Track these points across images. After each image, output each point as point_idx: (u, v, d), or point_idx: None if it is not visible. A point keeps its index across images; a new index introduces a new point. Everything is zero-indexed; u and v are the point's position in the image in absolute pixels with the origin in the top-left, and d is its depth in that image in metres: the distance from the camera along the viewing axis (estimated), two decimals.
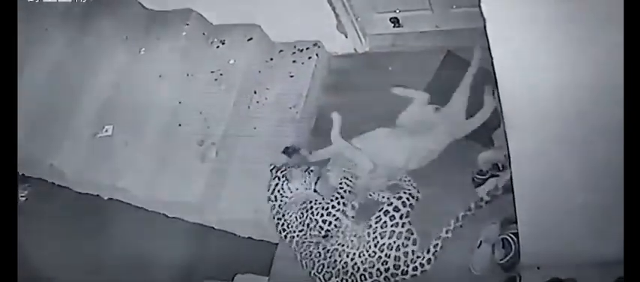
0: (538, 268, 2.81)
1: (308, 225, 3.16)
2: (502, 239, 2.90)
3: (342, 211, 3.16)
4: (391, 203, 3.09)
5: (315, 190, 3.27)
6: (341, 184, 3.26)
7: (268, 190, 3.29)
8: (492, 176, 3.12)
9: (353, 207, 3.21)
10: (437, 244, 3.01)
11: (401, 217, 3.05)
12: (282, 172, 3.30)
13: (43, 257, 3.57)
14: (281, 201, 3.26)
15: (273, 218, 3.27)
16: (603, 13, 1.53)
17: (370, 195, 3.27)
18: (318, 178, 3.30)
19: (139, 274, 3.50)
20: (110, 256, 3.54)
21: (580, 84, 1.80)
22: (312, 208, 3.19)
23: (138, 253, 3.48)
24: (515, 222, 2.63)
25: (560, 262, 2.73)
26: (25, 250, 3.52)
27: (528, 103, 1.91)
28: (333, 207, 3.16)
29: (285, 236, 3.22)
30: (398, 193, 3.14)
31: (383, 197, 3.20)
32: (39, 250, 3.58)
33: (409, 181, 3.22)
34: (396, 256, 2.98)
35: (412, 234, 3.03)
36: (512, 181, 2.33)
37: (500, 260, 2.89)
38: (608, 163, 2.04)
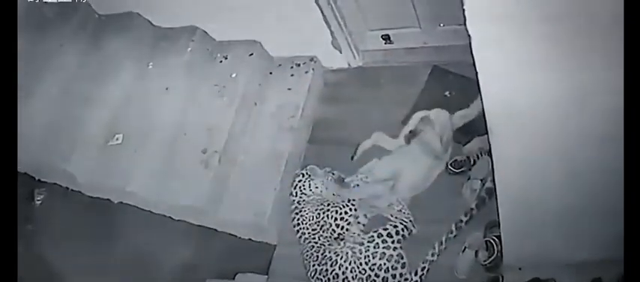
0: (520, 268, 2.77)
1: (322, 226, 3.11)
2: (485, 241, 2.86)
3: (352, 220, 3.09)
4: (386, 229, 2.98)
5: (333, 194, 3.24)
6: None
7: (291, 186, 3.29)
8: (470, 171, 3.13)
9: (365, 216, 3.12)
10: (424, 268, 2.93)
11: (393, 242, 2.94)
12: (306, 170, 3.30)
13: (56, 257, 3.53)
14: (301, 197, 3.24)
15: (291, 213, 3.24)
16: (588, 22, 1.50)
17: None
18: (340, 179, 3.27)
19: (146, 272, 3.45)
20: (119, 255, 3.49)
21: (561, 93, 1.77)
22: (328, 210, 3.13)
23: (145, 253, 3.44)
24: (498, 225, 2.59)
25: (540, 263, 2.69)
26: (41, 250, 3.54)
27: (511, 110, 1.87)
28: (346, 213, 3.10)
29: (297, 231, 3.19)
30: (395, 221, 3.03)
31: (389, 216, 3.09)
32: (53, 250, 3.57)
33: (407, 213, 3.09)
34: (384, 277, 2.88)
35: (402, 258, 2.93)
36: (495, 184, 2.29)
37: (484, 261, 2.85)
38: (587, 167, 2.04)
